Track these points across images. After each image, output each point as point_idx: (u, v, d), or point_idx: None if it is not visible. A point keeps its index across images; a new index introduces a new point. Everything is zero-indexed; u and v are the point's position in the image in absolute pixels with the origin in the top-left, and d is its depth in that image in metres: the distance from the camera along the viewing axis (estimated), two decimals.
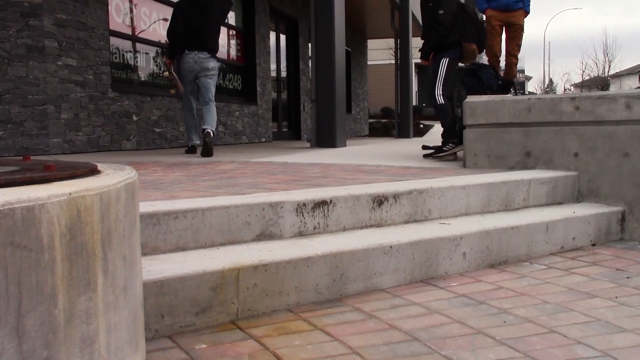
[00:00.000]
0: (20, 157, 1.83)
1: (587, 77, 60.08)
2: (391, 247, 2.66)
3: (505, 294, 2.58)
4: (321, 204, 2.82)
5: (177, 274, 2.15)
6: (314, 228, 2.80)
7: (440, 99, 5.50)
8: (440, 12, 5.49)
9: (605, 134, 3.67)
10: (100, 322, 1.29)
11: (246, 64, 11.50)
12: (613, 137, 3.62)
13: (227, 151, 7.77)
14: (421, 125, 18.55)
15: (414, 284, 2.71)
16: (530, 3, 7.17)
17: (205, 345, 2.03)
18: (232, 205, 2.60)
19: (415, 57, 14.74)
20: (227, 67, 10.83)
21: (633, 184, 3.49)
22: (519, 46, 7.24)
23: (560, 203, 3.67)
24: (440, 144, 5.67)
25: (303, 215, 2.76)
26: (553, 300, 2.49)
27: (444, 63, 5.52)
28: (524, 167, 4.04)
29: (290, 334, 2.13)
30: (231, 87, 10.96)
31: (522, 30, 7.17)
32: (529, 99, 4.14)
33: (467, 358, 1.94)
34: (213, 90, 6.65)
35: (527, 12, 7.11)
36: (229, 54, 10.99)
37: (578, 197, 3.75)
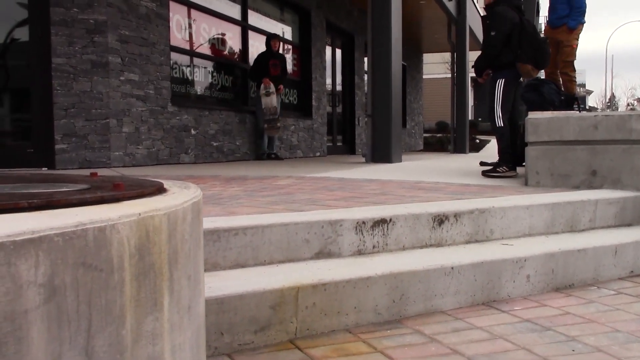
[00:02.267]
0: (87, 174, 1.86)
1: None
2: (452, 268, 2.60)
3: (573, 320, 2.48)
4: (381, 222, 2.78)
5: (237, 292, 2.14)
6: (373, 247, 2.76)
7: (500, 122, 5.36)
8: (492, 33, 5.37)
9: None
10: (165, 342, 1.29)
11: (302, 78, 11.58)
12: None
13: (282, 165, 7.81)
14: (477, 140, 18.27)
15: (475, 307, 2.64)
16: (579, 17, 6.99)
17: None
18: (292, 222, 2.59)
19: (472, 72, 14.61)
20: (284, 81, 10.93)
21: None
22: (566, 62, 7.08)
23: (629, 225, 3.53)
24: (496, 161, 5.56)
25: (362, 234, 2.73)
26: (625, 329, 2.38)
27: (500, 85, 5.38)
28: (590, 186, 3.91)
29: (350, 356, 2.09)
30: (287, 101, 11.04)
31: (566, 46, 7.02)
32: (595, 115, 4.01)
33: None
34: None
35: (570, 29, 6.95)
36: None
37: None
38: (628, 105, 60.83)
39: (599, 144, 3.91)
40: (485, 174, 5.39)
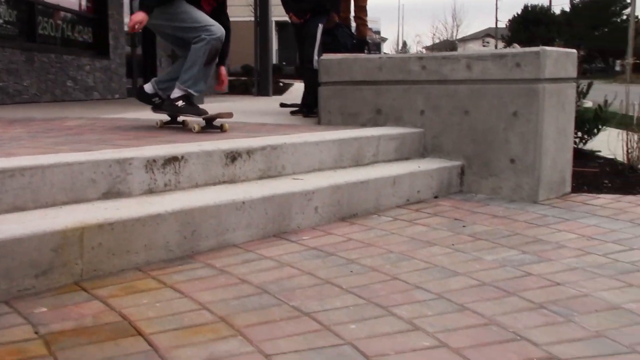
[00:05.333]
0: None
1: (438, 41, 63.03)
2: (244, 202, 2.67)
3: (354, 246, 2.69)
4: (172, 160, 2.76)
5: (14, 236, 2.02)
6: (165, 185, 2.74)
7: (316, 64, 5.48)
8: None
9: (449, 92, 3.87)
10: None
11: (97, 15, 10.85)
12: (455, 95, 3.84)
13: (75, 107, 7.34)
14: (281, 84, 18.58)
15: (266, 239, 2.74)
16: None
17: (46, 309, 1.93)
18: (76, 162, 2.47)
19: (276, 15, 14.65)
20: (76, 18, 10.16)
21: (471, 140, 3.73)
22: (359, 7, 7.37)
23: (407, 158, 3.85)
24: (300, 102, 5.74)
25: (153, 172, 2.69)
26: (397, 250, 2.63)
27: (320, 29, 5.50)
28: (375, 124, 4.19)
29: (138, 293, 2.08)
30: (81, 39, 10.31)
31: None
32: (380, 57, 4.27)
33: (315, 308, 2.01)
34: None
35: None
36: (80, 4, 10.30)
37: (423, 153, 3.95)
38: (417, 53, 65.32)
39: (383, 85, 4.18)
40: (294, 113, 5.59)
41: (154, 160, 2.69)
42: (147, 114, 4.97)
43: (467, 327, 1.88)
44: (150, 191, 2.68)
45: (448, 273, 2.35)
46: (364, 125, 4.22)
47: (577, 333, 1.85)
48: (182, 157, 2.79)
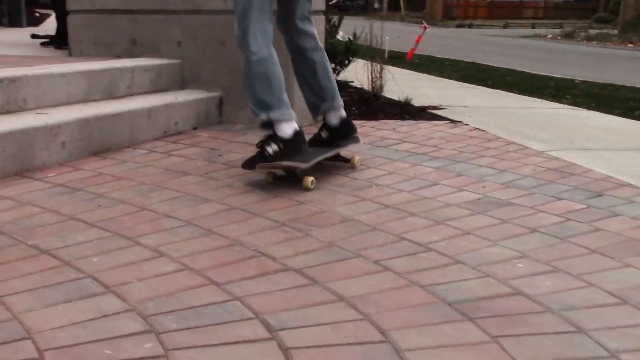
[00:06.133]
0: None
1: None
2: None
3: (104, 180, 2.60)
4: None
5: None
6: None
7: None
8: None
9: (205, 23, 3.83)
10: None
11: None
12: (211, 26, 3.81)
13: None
14: (37, 14, 16.96)
15: (7, 178, 2.54)
16: None
17: None
18: None
19: None
20: None
21: (228, 71, 3.76)
22: None
23: (165, 90, 3.78)
24: (53, 34, 5.31)
25: None
26: (149, 182, 2.60)
27: None
28: (131, 55, 4.02)
29: None
30: None
31: None
32: None
33: (56, 244, 1.93)
34: None
35: None
36: None
37: (182, 84, 3.90)
38: None
39: (140, 14, 4.01)
40: (45, 45, 5.15)
41: None
42: None
43: (212, 249, 1.95)
44: None
45: (199, 200, 2.40)
46: (119, 56, 4.04)
47: (312, 245, 2.01)
48: None
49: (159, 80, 3.74)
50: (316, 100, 2.91)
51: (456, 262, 1.92)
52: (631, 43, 18.72)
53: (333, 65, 4.97)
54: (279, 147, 2.53)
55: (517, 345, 1.46)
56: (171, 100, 3.48)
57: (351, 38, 4.90)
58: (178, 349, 1.39)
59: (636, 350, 1.46)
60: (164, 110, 3.38)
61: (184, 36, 3.90)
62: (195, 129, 3.58)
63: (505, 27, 31.26)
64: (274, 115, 2.56)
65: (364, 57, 4.77)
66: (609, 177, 2.89)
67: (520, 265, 1.92)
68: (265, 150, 2.54)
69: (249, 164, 2.57)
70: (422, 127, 3.87)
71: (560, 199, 2.58)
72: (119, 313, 1.53)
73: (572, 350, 1.45)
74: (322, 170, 2.83)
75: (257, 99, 2.58)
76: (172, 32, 3.94)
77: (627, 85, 7.48)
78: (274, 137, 2.55)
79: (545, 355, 1.42)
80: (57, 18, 5.28)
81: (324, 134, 2.93)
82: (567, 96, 5.97)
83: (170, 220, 2.17)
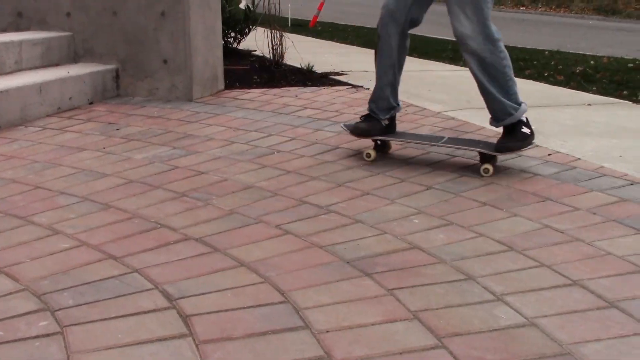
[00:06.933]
0: None
1: None
2: None
3: None
4: None
5: None
6: None
7: None
8: None
9: None
10: None
11: None
12: None
13: None
14: None
15: None
16: None
17: None
18: None
19: None
20: None
21: (124, 42, 3.64)
22: None
23: (57, 64, 3.62)
24: None
25: None
26: (43, 159, 2.51)
27: None
28: (17, 28, 3.81)
29: None
30: None
31: None
32: None
33: None
34: None
35: None
36: None
37: (75, 58, 3.74)
38: None
39: None
40: None
41: None
42: None
43: (110, 223, 1.91)
44: None
45: (96, 175, 2.33)
46: (4, 30, 3.82)
47: (213, 214, 2.01)
48: None
49: (50, 54, 3.58)
50: None
51: (355, 221, 1.98)
52: (522, 6, 19.55)
53: (233, 34, 4.91)
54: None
55: (410, 296, 1.52)
56: (63, 75, 3.34)
57: (250, 6, 4.85)
58: (75, 324, 1.36)
59: (519, 292, 1.56)
60: (56, 85, 3.25)
61: (73, 7, 3.74)
62: (91, 103, 3.46)
63: None
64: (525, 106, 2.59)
65: (264, 25, 4.73)
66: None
67: (416, 221, 2.00)
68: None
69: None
70: (324, 93, 3.91)
71: (454, 156, 2.69)
72: (10, 293, 1.48)
73: (462, 297, 1.53)
74: (222, 139, 2.81)
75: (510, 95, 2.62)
76: (61, 3, 3.76)
77: (518, 46, 7.79)
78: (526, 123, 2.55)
79: (437, 303, 1.50)
80: None
81: None
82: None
83: (66, 197, 2.11)
